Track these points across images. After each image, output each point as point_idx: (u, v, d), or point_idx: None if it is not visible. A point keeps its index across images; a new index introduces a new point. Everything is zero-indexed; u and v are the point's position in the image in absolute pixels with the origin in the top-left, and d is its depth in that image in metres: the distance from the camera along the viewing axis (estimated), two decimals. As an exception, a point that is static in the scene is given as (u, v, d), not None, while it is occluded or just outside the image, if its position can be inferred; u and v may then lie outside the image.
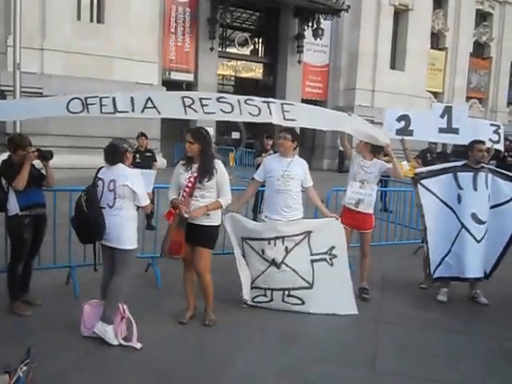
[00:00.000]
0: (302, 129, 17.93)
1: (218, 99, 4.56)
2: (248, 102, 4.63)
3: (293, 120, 4.78)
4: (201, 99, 4.48)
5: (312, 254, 4.93)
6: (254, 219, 7.74)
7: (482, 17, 27.82)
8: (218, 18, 17.89)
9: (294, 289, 4.93)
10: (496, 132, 5.84)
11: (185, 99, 4.43)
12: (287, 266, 4.88)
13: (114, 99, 4.36)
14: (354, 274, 5.79)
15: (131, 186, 4.00)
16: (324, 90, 21.84)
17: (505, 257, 5.55)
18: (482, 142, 5.42)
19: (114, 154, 4.11)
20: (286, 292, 4.94)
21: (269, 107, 4.68)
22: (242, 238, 4.97)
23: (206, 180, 4.22)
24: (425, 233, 5.55)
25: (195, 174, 4.24)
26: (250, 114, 4.61)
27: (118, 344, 3.96)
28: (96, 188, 4.05)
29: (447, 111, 5.75)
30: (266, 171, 5.04)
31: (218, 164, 4.32)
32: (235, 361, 3.89)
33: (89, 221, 3.93)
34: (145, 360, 3.81)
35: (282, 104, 4.80)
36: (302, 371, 3.79)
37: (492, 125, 5.99)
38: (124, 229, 4.05)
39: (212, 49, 18.42)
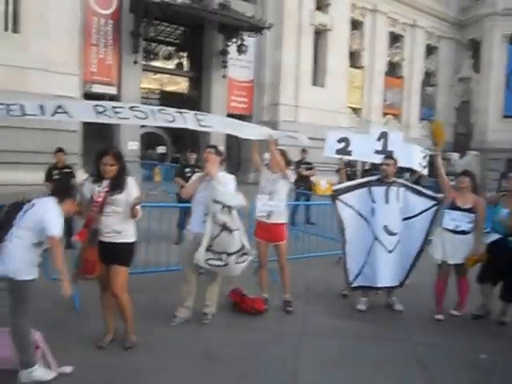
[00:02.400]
0: (228, 143, 17.96)
1: (130, 108, 4.54)
2: (161, 111, 4.67)
3: (208, 126, 4.91)
4: (113, 107, 4.45)
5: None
6: (179, 235, 7.68)
7: (395, 38, 29.58)
8: (142, 32, 17.70)
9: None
10: (424, 158, 6.41)
11: (96, 107, 4.37)
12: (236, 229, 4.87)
13: (22, 106, 4.22)
14: (277, 284, 5.89)
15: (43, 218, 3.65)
16: (249, 104, 22.14)
17: (417, 265, 5.85)
18: (388, 158, 5.77)
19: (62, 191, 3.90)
20: (239, 253, 4.88)
21: (183, 116, 4.75)
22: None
23: (116, 194, 4.10)
24: (344, 245, 5.79)
25: (106, 190, 4.11)
26: (164, 120, 4.67)
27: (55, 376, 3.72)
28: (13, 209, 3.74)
29: (383, 136, 6.30)
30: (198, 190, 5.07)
31: (130, 180, 4.23)
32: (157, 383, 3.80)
33: None
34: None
35: (196, 114, 4.90)
36: (225, 389, 3.77)
37: (422, 152, 6.53)
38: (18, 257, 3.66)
39: (135, 62, 18.15)
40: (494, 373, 4.33)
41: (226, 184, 4.91)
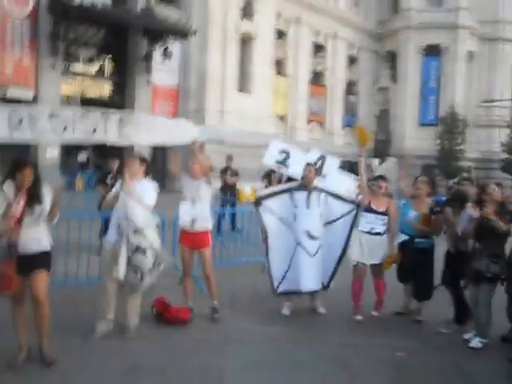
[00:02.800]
0: (154, 150, 17.62)
1: (50, 116, 4.34)
2: (84, 118, 4.50)
3: (129, 137, 4.77)
4: (31, 116, 4.23)
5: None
6: (101, 245, 7.44)
7: (318, 48, 30.56)
8: (61, 34, 17.06)
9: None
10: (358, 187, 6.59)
11: (13, 114, 4.15)
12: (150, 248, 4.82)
13: None
14: (203, 292, 5.86)
15: None
16: (175, 110, 21.96)
17: (339, 268, 6.02)
18: (309, 165, 5.95)
19: None
20: (154, 267, 4.85)
21: (106, 123, 4.60)
22: None
23: (35, 205, 4.01)
24: (267, 251, 5.87)
25: (24, 201, 3.97)
26: (84, 132, 4.51)
27: None
28: None
29: (322, 159, 6.54)
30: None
31: (47, 188, 4.15)
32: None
33: None
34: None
35: (121, 118, 4.75)
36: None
37: (355, 179, 6.76)
38: None
39: (54, 65, 17.47)
40: (410, 370, 4.54)
41: (143, 194, 4.82)
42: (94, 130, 4.55)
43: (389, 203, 5.89)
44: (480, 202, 5.16)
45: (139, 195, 4.79)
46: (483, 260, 4.97)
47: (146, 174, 5.12)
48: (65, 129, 4.38)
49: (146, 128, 5.19)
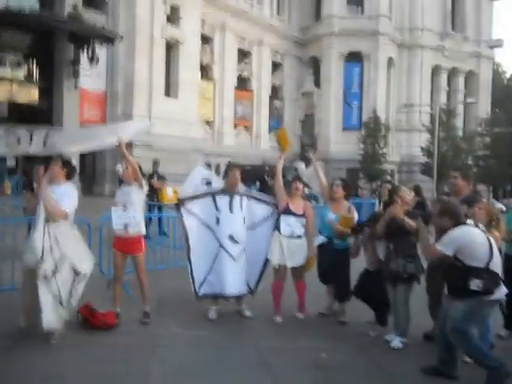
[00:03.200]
0: (82, 154, 17.08)
1: None
2: (9, 132, 4.46)
3: (53, 148, 4.76)
4: None
5: None
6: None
7: (243, 54, 31.03)
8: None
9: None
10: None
11: None
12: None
13: None
14: (130, 297, 5.87)
15: None
16: (102, 115, 21.60)
17: (266, 271, 6.12)
18: (234, 169, 6.02)
19: None
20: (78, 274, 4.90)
21: (31, 137, 4.58)
22: None
23: None
24: (188, 253, 5.90)
25: None
26: (8, 145, 4.45)
27: None
28: None
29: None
30: None
31: None
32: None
33: None
34: None
35: (48, 131, 4.75)
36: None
37: None
38: None
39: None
40: (333, 371, 4.64)
41: (61, 199, 4.78)
42: (18, 143, 4.50)
43: (306, 206, 6.00)
44: (391, 203, 5.34)
45: (53, 200, 4.71)
46: (399, 260, 5.09)
47: (69, 177, 5.05)
48: None
49: (72, 138, 5.17)
